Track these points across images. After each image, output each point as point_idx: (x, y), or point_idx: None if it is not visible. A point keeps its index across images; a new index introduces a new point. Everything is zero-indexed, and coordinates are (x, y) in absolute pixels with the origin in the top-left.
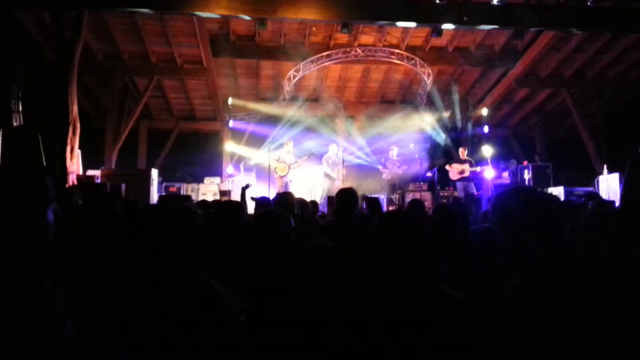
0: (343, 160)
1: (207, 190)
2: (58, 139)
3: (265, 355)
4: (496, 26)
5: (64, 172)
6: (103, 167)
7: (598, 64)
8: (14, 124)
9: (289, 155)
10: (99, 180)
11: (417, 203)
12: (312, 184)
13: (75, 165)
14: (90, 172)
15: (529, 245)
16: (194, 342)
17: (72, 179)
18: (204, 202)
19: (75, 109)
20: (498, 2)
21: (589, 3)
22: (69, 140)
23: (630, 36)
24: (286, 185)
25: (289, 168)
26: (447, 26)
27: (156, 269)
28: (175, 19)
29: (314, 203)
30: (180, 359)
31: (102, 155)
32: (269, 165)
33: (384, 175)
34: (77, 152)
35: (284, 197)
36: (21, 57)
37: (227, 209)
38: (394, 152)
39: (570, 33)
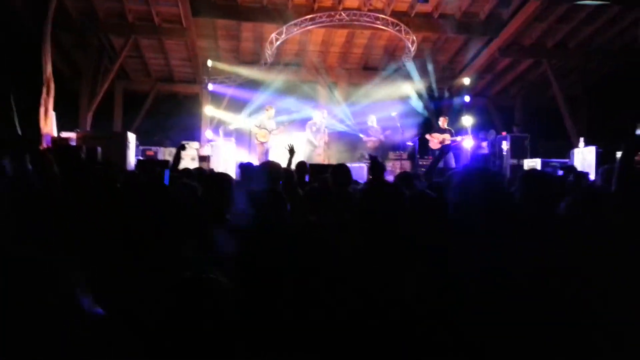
0: (326, 127)
1: (185, 154)
2: (31, 99)
3: (262, 341)
4: None
5: (37, 134)
6: (78, 130)
7: (581, 35)
8: None
9: (270, 121)
10: (74, 143)
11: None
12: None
13: (49, 127)
14: (65, 135)
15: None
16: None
17: (46, 142)
18: (187, 170)
19: (49, 68)
20: None
21: None
22: (42, 101)
23: (614, 8)
24: (267, 151)
25: (270, 134)
26: None
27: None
28: None
29: (301, 166)
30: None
31: (77, 117)
32: (250, 131)
33: (368, 144)
34: (52, 113)
35: (271, 167)
36: None
37: (219, 182)
38: (373, 121)
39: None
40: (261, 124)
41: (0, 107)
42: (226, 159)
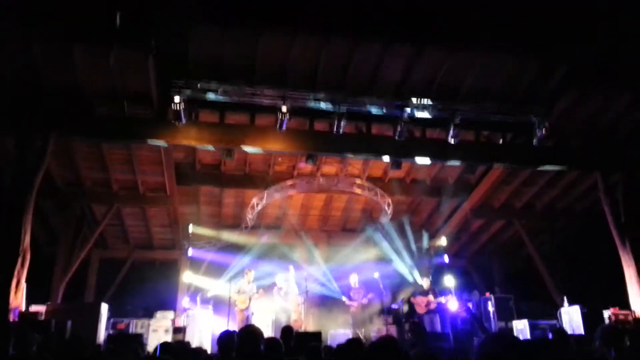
0: (307, 290)
1: (159, 325)
2: (4, 269)
3: None
4: (448, 162)
5: (5, 307)
6: (49, 302)
7: (546, 197)
8: None
9: (251, 286)
10: (43, 317)
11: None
12: (275, 316)
13: (19, 300)
14: (34, 308)
15: None
16: None
17: (14, 316)
18: (166, 345)
19: (27, 239)
20: (451, 138)
21: (534, 142)
22: (16, 273)
23: (573, 173)
24: (247, 318)
25: (250, 300)
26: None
27: None
28: (142, 148)
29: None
30: None
31: (49, 285)
32: (229, 298)
33: (352, 309)
34: (23, 285)
35: (251, 336)
36: None
37: None
38: (355, 280)
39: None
40: (240, 289)
41: None
42: (202, 329)
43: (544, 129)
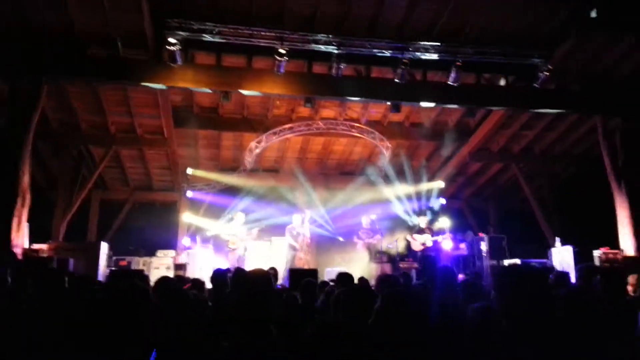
0: (308, 230)
1: (160, 263)
2: (5, 210)
3: None
4: (450, 105)
5: (8, 246)
6: (50, 241)
7: (545, 140)
8: None
9: (241, 228)
10: (45, 255)
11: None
12: (271, 256)
13: (20, 238)
14: (36, 246)
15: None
16: None
17: (17, 254)
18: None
19: (26, 179)
20: (452, 81)
21: (535, 85)
22: (16, 212)
23: (572, 116)
24: (239, 258)
25: (241, 241)
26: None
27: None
28: (138, 91)
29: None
30: None
31: (50, 226)
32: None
33: (358, 246)
34: (25, 224)
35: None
36: None
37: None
38: (367, 220)
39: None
40: (230, 231)
41: None
42: (203, 266)
43: (545, 71)
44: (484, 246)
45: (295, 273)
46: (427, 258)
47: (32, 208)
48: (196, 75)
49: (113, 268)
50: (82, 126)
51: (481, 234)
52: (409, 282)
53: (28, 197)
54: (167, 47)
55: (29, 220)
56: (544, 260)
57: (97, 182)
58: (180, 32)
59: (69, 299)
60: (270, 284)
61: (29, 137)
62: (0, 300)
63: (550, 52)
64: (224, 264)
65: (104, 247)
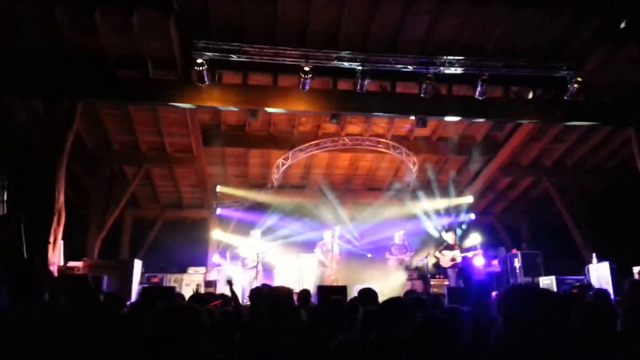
0: (337, 246)
1: (191, 280)
2: (42, 229)
3: None
4: (476, 119)
5: (45, 263)
6: (85, 258)
7: (577, 154)
8: None
9: (259, 244)
10: (80, 272)
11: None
12: (300, 272)
13: (57, 256)
14: (71, 264)
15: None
16: None
17: (53, 271)
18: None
19: (61, 198)
20: (479, 95)
21: (565, 97)
22: (52, 231)
23: (605, 128)
24: (258, 274)
25: (258, 257)
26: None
27: None
28: (168, 110)
29: (304, 293)
30: None
31: (85, 244)
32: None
33: (389, 262)
34: (60, 242)
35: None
36: (8, 146)
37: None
38: (399, 237)
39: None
40: (248, 248)
41: (11, 237)
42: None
43: (575, 83)
44: (517, 263)
45: (324, 290)
46: (462, 272)
47: (66, 226)
48: (223, 94)
49: (145, 285)
50: (115, 146)
51: (514, 250)
52: (438, 304)
53: (63, 215)
54: (195, 67)
55: (64, 239)
56: (582, 277)
57: (130, 201)
58: (207, 53)
59: (103, 315)
60: (291, 300)
61: (64, 157)
62: (36, 317)
63: (580, 63)
64: (246, 280)
65: (137, 264)
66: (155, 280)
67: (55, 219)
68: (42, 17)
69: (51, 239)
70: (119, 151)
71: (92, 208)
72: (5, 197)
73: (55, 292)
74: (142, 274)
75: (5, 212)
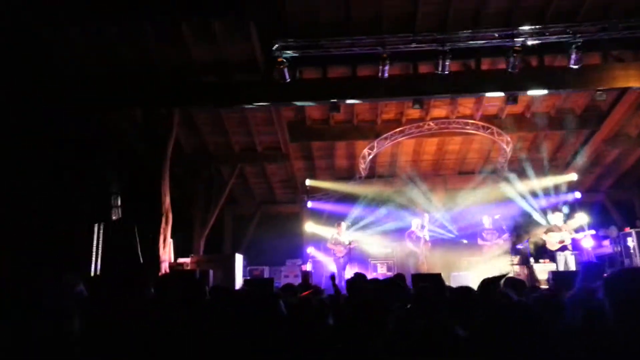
0: (428, 232)
1: (289, 272)
2: (152, 229)
3: None
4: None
5: (157, 261)
6: (192, 255)
7: None
8: (114, 217)
9: (344, 236)
10: (188, 267)
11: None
12: (394, 262)
13: (167, 254)
14: (181, 260)
15: None
16: None
17: (164, 268)
18: (291, 286)
19: (167, 200)
20: (574, 64)
21: None
22: (161, 230)
23: None
24: (344, 265)
25: (345, 248)
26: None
27: None
28: (255, 110)
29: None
30: None
31: (191, 242)
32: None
33: (484, 249)
34: (169, 241)
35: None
36: (116, 156)
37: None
38: (488, 221)
39: None
40: (335, 240)
41: (126, 239)
42: (326, 273)
43: None
44: (631, 242)
45: (417, 278)
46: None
47: (174, 226)
48: (304, 90)
49: (248, 277)
50: (210, 148)
51: (627, 229)
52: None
53: (170, 216)
54: (276, 66)
55: (172, 237)
56: None
57: (228, 199)
58: (287, 51)
59: (210, 308)
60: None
61: (166, 162)
62: (142, 312)
63: None
64: (351, 271)
65: (239, 258)
66: (257, 273)
67: (164, 219)
68: (132, 35)
69: (161, 238)
70: (215, 152)
71: (195, 208)
72: (119, 203)
73: (161, 287)
74: (245, 267)
75: (120, 216)
